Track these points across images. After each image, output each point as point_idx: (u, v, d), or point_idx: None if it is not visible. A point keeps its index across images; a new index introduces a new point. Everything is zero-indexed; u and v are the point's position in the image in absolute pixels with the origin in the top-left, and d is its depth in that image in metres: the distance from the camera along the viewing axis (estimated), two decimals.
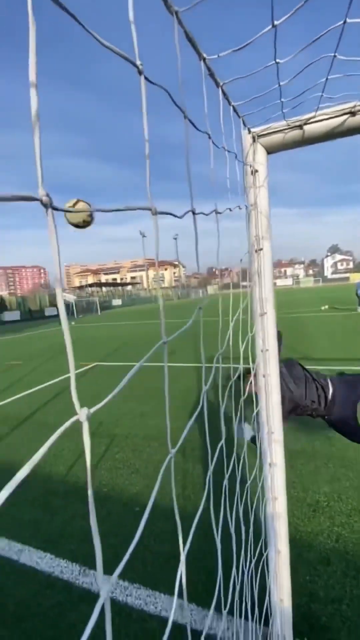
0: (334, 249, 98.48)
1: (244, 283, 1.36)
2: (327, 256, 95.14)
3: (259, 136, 1.24)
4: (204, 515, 0.66)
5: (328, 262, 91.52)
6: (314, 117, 1.14)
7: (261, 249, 1.30)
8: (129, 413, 4.50)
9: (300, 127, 1.19)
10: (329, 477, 2.75)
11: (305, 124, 1.18)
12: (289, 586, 1.44)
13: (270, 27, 0.46)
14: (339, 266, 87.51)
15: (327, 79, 0.83)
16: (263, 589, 1.44)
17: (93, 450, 3.59)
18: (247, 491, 1.28)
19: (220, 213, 1.10)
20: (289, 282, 66.32)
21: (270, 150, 1.29)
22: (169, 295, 56.16)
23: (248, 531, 1.25)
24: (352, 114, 1.13)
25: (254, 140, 1.25)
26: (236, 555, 0.96)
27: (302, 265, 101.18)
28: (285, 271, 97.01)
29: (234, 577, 0.94)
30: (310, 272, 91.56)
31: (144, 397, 5.06)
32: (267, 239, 1.30)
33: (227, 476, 0.80)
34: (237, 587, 0.97)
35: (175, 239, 73.10)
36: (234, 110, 0.83)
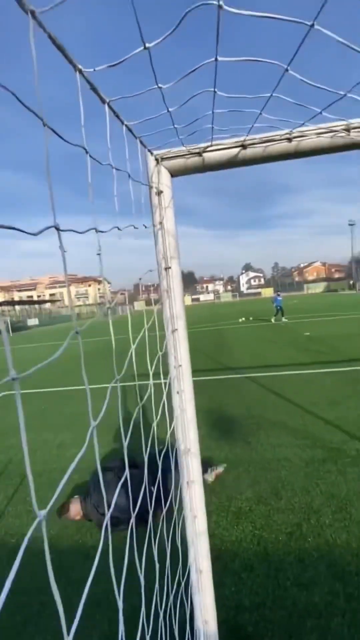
0: (248, 267, 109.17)
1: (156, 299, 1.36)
2: (242, 273, 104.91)
3: (163, 159, 1.28)
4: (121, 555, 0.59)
5: (243, 279, 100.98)
6: (210, 146, 1.23)
7: (170, 268, 1.32)
8: (44, 445, 4.05)
9: (199, 154, 1.27)
10: (250, 482, 2.89)
11: (204, 151, 1.27)
12: (214, 605, 1.42)
13: (142, 48, 0.47)
14: (252, 282, 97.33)
15: (213, 112, 0.89)
16: (185, 613, 1.39)
17: None
18: (163, 519, 1.23)
19: (120, 230, 1.07)
20: (210, 297, 70.96)
21: (174, 174, 1.34)
22: (94, 312, 53.99)
23: (165, 560, 1.19)
24: (244, 147, 1.25)
25: (157, 163, 1.28)
26: (148, 588, 0.89)
27: (221, 282, 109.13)
28: (207, 287, 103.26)
29: (147, 611, 0.87)
30: (229, 287, 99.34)
31: (61, 426, 4.64)
32: (175, 258, 1.33)
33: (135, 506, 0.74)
34: (156, 620, 0.90)
35: (99, 254, 71.51)
36: (128, 129, 0.83)
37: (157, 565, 1.01)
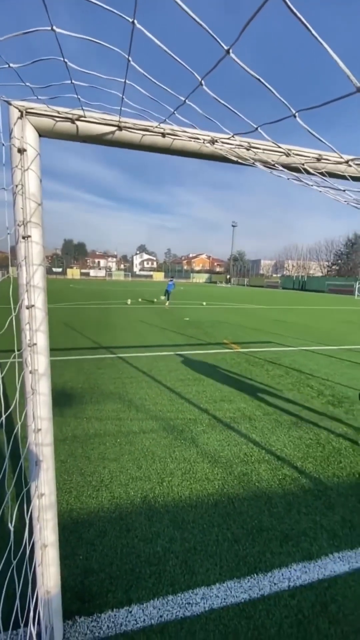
0: (142, 249, 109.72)
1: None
2: (136, 254, 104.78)
3: (28, 113, 1.14)
4: None
5: (137, 260, 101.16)
6: (84, 116, 1.17)
7: (29, 237, 1.21)
8: None
9: (72, 121, 1.18)
10: (114, 455, 3.04)
11: (78, 119, 1.19)
12: (58, 575, 1.46)
13: None
14: (146, 264, 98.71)
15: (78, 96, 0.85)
16: (26, 588, 1.39)
17: None
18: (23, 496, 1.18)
19: None
20: (102, 273, 68.47)
21: (43, 134, 1.21)
22: None
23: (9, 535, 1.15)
24: (119, 128, 1.24)
25: (22, 115, 1.13)
26: None
27: (115, 259, 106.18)
28: (99, 262, 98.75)
29: None
30: (122, 266, 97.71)
31: None
32: (37, 226, 1.22)
33: None
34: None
35: None
36: None
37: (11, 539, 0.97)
